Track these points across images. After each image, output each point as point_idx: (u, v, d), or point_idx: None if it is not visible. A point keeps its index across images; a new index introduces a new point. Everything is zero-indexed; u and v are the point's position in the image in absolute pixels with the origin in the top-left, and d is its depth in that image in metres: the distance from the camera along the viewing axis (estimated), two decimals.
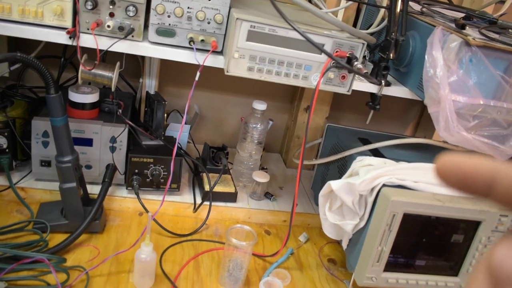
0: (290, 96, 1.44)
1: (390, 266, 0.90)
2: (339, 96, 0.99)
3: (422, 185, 0.88)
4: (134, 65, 1.24)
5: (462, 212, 0.88)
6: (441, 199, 0.87)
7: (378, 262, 0.89)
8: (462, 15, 1.10)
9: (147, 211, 1.01)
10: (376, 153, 1.02)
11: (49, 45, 0.92)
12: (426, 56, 0.88)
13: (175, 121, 1.29)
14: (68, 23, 0.87)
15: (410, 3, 1.08)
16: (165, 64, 1.22)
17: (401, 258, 0.92)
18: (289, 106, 1.46)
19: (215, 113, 1.42)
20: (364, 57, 0.96)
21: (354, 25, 1.27)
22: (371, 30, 1.07)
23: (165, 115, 1.14)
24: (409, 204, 0.84)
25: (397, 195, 0.84)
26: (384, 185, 0.86)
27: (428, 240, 0.91)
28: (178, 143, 0.98)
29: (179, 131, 0.96)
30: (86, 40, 0.87)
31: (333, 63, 0.86)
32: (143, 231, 0.96)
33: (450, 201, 0.87)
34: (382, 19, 1.07)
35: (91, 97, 1.06)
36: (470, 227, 0.91)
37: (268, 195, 1.20)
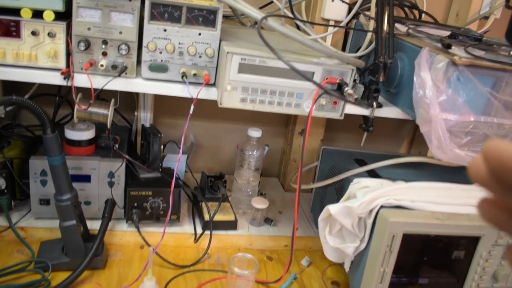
0: (285, 121, 1.46)
1: (393, 286, 0.90)
2: (333, 118, 1.01)
3: (419, 204, 0.89)
4: (129, 99, 1.26)
5: (461, 229, 0.89)
6: (439, 217, 0.88)
7: (381, 283, 0.89)
8: (448, 33, 1.13)
9: (148, 245, 1.01)
10: (372, 174, 1.03)
11: (44, 83, 0.94)
12: (414, 78, 0.90)
13: (171, 151, 1.30)
14: (62, 64, 0.89)
15: (396, 25, 1.11)
16: (159, 96, 1.23)
17: (404, 278, 0.92)
18: (284, 130, 1.47)
19: (211, 142, 1.43)
20: (355, 80, 0.98)
21: (343, 48, 1.29)
22: (359, 53, 1.09)
23: (162, 146, 1.15)
24: (408, 224, 0.85)
25: (395, 216, 0.85)
26: (382, 207, 0.87)
27: (429, 258, 0.92)
28: (176, 174, 0.99)
29: (177, 163, 0.96)
30: (80, 80, 0.88)
31: (323, 92, 0.88)
32: (145, 265, 0.96)
33: (448, 218, 0.88)
34: (370, 42, 1.09)
35: (87, 134, 1.07)
36: (470, 243, 0.92)
37: (268, 221, 1.20)
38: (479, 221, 0.89)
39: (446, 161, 0.93)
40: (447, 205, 0.91)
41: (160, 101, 1.30)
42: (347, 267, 0.97)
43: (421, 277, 0.93)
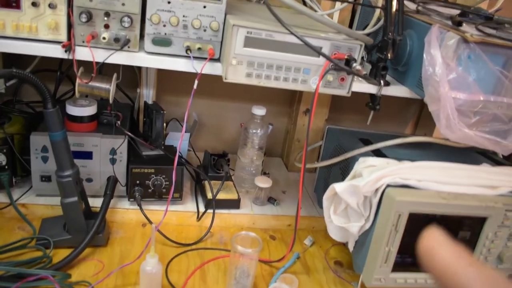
0: (289, 100, 1.44)
1: (398, 266, 0.90)
2: (338, 98, 0.99)
3: (426, 183, 0.88)
4: (131, 75, 1.24)
5: (467, 209, 0.87)
6: (446, 197, 0.86)
7: (386, 262, 0.88)
8: (458, 12, 1.10)
9: (151, 223, 1.00)
10: (378, 153, 1.02)
11: (45, 58, 0.92)
12: (424, 55, 0.88)
13: (174, 129, 1.29)
14: (63, 37, 0.87)
15: (405, 2, 1.08)
16: (162, 73, 1.21)
17: (409, 258, 0.91)
18: (288, 110, 1.45)
19: (214, 120, 1.42)
20: (362, 58, 0.96)
21: (350, 26, 1.26)
22: (367, 30, 1.06)
23: (164, 124, 1.14)
24: (414, 204, 0.84)
25: (402, 195, 0.83)
26: (388, 186, 0.86)
27: None
28: (179, 151, 0.98)
29: (180, 140, 0.95)
30: (82, 53, 0.86)
31: (332, 65, 0.85)
32: (148, 243, 0.95)
33: (455, 198, 0.87)
34: (378, 19, 1.07)
35: (89, 110, 1.05)
36: (476, 224, 0.91)
37: (271, 200, 1.19)
38: (485, 201, 0.88)
39: (454, 140, 0.92)
40: (454, 185, 0.90)
41: (163, 78, 1.28)
42: (351, 246, 0.96)
43: None
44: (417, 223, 0.86)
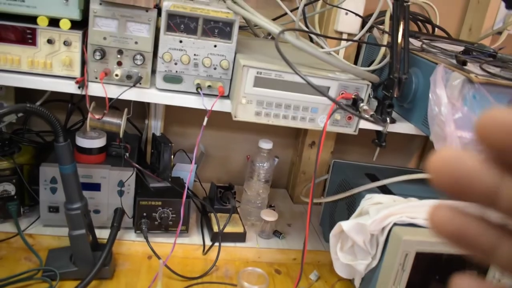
0: (295, 132, 1.45)
1: None
2: None
3: None
4: (139, 107, 1.26)
5: None
6: None
7: None
8: (461, 48, 1.12)
9: (158, 257, 1.00)
10: (384, 189, 1.02)
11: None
12: (430, 94, 0.89)
13: (181, 161, 1.30)
14: (77, 73, 0.89)
15: (410, 39, 1.10)
16: (170, 105, 1.23)
17: None
18: (294, 142, 1.46)
19: (221, 151, 1.43)
20: (369, 95, 0.98)
21: (355, 62, 1.29)
22: (373, 67, 1.08)
23: (172, 156, 1.15)
24: (421, 243, 0.84)
25: (408, 234, 0.84)
26: (395, 224, 0.86)
27: (441, 278, 0.91)
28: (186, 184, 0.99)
29: (188, 175, 0.96)
30: (95, 89, 0.88)
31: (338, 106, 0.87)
32: (155, 277, 0.95)
33: None
34: (384, 56, 1.09)
35: (99, 142, 1.07)
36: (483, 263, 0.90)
37: (277, 234, 1.19)
38: None
39: None
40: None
41: (170, 109, 1.29)
42: (357, 283, 0.96)
43: None
44: (423, 262, 0.86)
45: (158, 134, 1.22)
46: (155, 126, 1.25)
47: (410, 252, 0.83)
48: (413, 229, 0.86)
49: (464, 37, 1.42)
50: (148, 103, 1.23)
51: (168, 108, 1.27)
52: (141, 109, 1.27)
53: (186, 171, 1.23)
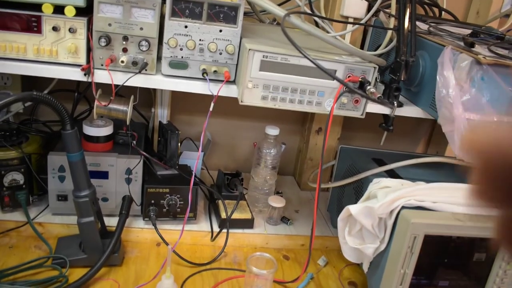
0: (301, 119, 1.45)
1: None
2: (351, 117, 1.00)
3: (441, 205, 0.88)
4: (146, 95, 1.26)
5: (483, 231, 0.87)
6: (461, 219, 0.86)
7: (401, 285, 0.88)
8: (469, 31, 1.11)
9: (166, 244, 1.01)
10: (391, 173, 1.02)
11: (63, 79, 0.94)
12: (437, 77, 0.89)
13: (188, 149, 1.30)
14: (82, 60, 0.89)
15: (417, 23, 1.09)
16: (176, 93, 1.23)
17: (424, 280, 0.91)
18: (301, 128, 1.46)
19: (227, 139, 1.43)
20: (376, 78, 0.97)
21: (362, 46, 1.27)
22: (379, 51, 1.07)
23: (179, 144, 1.15)
24: (429, 226, 0.84)
25: (417, 217, 0.83)
26: (403, 207, 0.86)
27: (450, 260, 0.90)
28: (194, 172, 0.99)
29: (196, 161, 0.96)
30: (101, 76, 0.88)
31: (346, 88, 0.86)
32: (163, 263, 0.96)
33: (470, 220, 0.87)
34: (390, 40, 1.08)
35: (106, 130, 1.07)
36: (492, 245, 0.90)
37: (284, 220, 1.19)
38: None
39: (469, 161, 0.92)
40: (469, 206, 0.89)
41: (177, 97, 1.29)
42: (365, 267, 0.96)
43: (441, 279, 0.92)
44: (432, 245, 0.86)
45: (164, 122, 1.22)
46: (162, 114, 1.25)
47: (418, 235, 0.83)
48: (422, 212, 0.86)
49: (471, 20, 1.40)
50: (155, 91, 1.23)
51: (175, 97, 1.27)
52: (148, 98, 1.27)
53: (193, 159, 1.23)
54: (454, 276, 0.92)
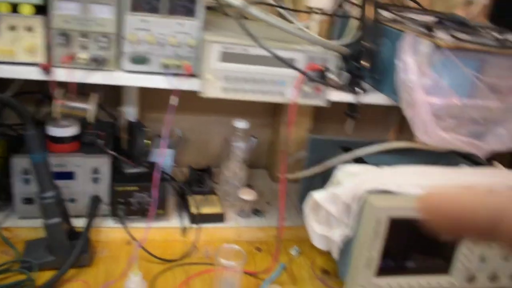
0: (272, 111, 1.45)
1: (381, 271, 0.90)
2: (321, 107, 1.00)
3: (405, 188, 0.89)
4: (114, 93, 1.24)
5: None
6: None
7: (369, 269, 0.88)
8: (433, 19, 1.12)
9: (134, 240, 1.00)
10: (359, 161, 1.03)
11: (27, 81, 0.92)
12: (397, 62, 0.90)
13: (159, 147, 1.29)
14: (41, 59, 0.87)
15: (382, 11, 1.10)
16: (145, 91, 1.22)
17: (392, 262, 0.92)
18: (271, 121, 1.46)
19: (198, 135, 1.42)
20: (339, 68, 0.98)
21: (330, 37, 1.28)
22: (343, 41, 1.08)
23: (149, 141, 1.14)
24: (394, 209, 0.85)
25: (381, 201, 0.84)
26: (367, 192, 0.87)
27: (416, 241, 0.91)
28: (163, 168, 0.98)
29: (162, 158, 0.95)
30: (60, 74, 0.87)
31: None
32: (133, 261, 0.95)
33: None
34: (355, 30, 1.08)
35: (70, 130, 1.05)
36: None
37: (256, 212, 1.19)
38: None
39: (432, 145, 0.93)
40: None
41: (147, 96, 1.28)
42: (335, 254, 0.96)
43: (409, 260, 0.93)
44: (397, 227, 0.87)
45: (133, 120, 1.21)
46: (130, 113, 1.24)
47: (383, 218, 0.84)
48: (386, 195, 0.87)
49: (438, 8, 1.42)
50: (121, 88, 1.21)
51: (144, 95, 1.26)
52: (116, 96, 1.26)
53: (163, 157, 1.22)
54: (422, 257, 0.93)
